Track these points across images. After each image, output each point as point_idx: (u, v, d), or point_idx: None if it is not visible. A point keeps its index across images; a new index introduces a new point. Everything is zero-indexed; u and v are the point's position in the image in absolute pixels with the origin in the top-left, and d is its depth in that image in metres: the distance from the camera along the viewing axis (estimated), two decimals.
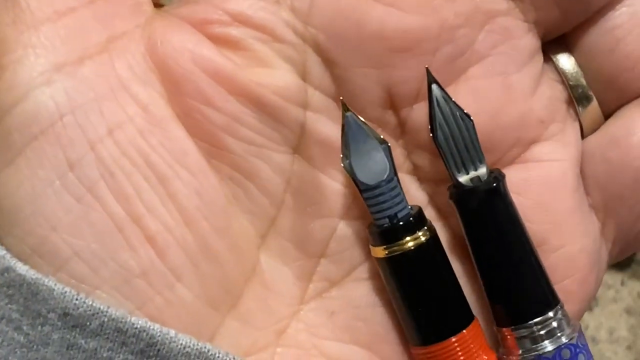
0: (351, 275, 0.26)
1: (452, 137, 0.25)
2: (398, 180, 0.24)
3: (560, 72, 0.26)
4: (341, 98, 0.24)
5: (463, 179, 0.25)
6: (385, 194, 0.24)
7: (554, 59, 0.26)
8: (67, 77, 0.22)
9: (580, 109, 0.26)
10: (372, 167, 0.24)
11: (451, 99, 0.24)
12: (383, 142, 0.24)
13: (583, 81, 0.26)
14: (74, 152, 0.22)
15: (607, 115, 0.27)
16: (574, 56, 0.26)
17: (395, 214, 0.24)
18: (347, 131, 0.24)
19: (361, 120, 0.24)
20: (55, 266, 0.22)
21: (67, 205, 0.22)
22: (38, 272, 0.22)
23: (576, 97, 0.26)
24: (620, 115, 0.26)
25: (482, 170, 0.25)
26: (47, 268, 0.22)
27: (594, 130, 0.27)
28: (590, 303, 0.27)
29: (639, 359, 0.67)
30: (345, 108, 0.24)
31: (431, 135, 0.25)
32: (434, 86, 0.24)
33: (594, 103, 0.26)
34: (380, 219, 0.24)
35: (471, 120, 0.25)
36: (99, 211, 0.22)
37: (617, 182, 0.26)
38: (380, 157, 0.24)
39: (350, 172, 0.24)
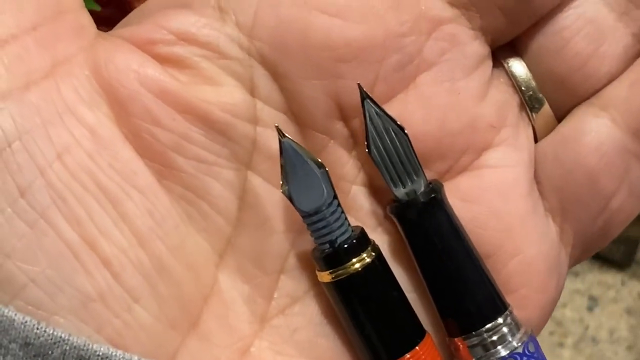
0: (313, 291, 0.26)
1: (386, 152, 0.25)
2: (339, 203, 0.24)
3: (511, 77, 0.26)
4: (276, 125, 0.24)
5: (400, 192, 0.25)
6: (325, 219, 0.24)
7: (505, 64, 0.26)
8: (13, 104, 0.22)
9: (532, 112, 0.26)
10: (311, 193, 0.24)
11: (385, 113, 0.24)
12: (321, 166, 0.24)
13: (534, 84, 0.26)
14: (23, 178, 0.22)
15: (560, 117, 0.26)
16: (524, 60, 0.26)
17: (336, 239, 0.24)
18: (285, 157, 0.24)
19: (298, 145, 0.24)
20: (11, 294, 0.22)
21: (20, 231, 0.22)
22: None
23: (527, 101, 0.26)
24: (572, 116, 0.26)
25: (419, 183, 0.25)
26: (2, 296, 0.22)
27: (548, 133, 0.26)
28: (552, 309, 0.26)
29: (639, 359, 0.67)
30: (281, 134, 0.24)
31: (366, 151, 0.25)
32: (366, 102, 0.24)
33: (546, 106, 0.26)
34: (322, 244, 0.24)
35: (405, 134, 0.25)
36: (53, 236, 0.22)
37: (572, 183, 0.26)
38: (317, 182, 0.24)
39: (289, 199, 0.24)
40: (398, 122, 0.24)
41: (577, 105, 0.26)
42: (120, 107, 0.24)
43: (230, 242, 0.25)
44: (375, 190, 0.26)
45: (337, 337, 0.25)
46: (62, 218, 0.22)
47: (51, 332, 0.22)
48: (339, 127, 0.25)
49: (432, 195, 0.25)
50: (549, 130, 0.26)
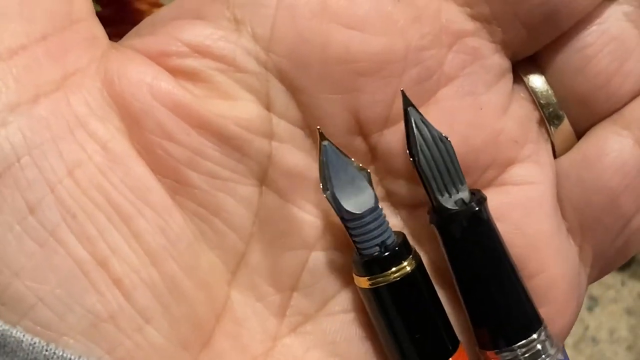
0: (325, 309, 0.25)
1: (433, 160, 0.24)
2: (380, 207, 0.24)
3: (530, 92, 0.26)
4: (318, 127, 0.24)
5: (447, 202, 0.24)
6: (373, 222, 0.23)
7: (525, 79, 0.26)
8: (22, 117, 0.22)
9: (551, 128, 0.26)
10: (357, 196, 0.23)
11: (428, 122, 0.24)
12: (362, 169, 0.24)
13: (554, 100, 0.25)
14: (33, 194, 0.22)
15: (579, 134, 0.26)
16: (545, 75, 0.26)
17: (384, 242, 0.23)
18: (326, 161, 0.23)
19: (338, 149, 0.23)
20: (20, 313, 0.22)
21: (29, 250, 0.21)
22: (2, 320, 0.22)
23: (547, 117, 0.26)
24: (593, 134, 0.26)
25: (465, 193, 0.24)
26: (11, 315, 0.22)
27: (566, 149, 0.26)
28: (570, 328, 0.26)
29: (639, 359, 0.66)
30: (322, 137, 0.23)
31: (411, 159, 0.24)
32: (410, 109, 0.24)
33: (566, 122, 0.26)
34: (368, 248, 0.24)
35: (449, 142, 0.24)
36: (63, 255, 0.22)
37: (593, 204, 0.25)
38: (364, 185, 0.23)
39: (335, 203, 0.23)
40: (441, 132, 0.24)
41: (597, 122, 0.26)
42: (133, 121, 0.23)
43: (243, 259, 0.24)
44: (394, 204, 0.25)
45: (351, 356, 0.25)
46: (72, 236, 0.22)
47: (60, 353, 0.21)
48: (358, 142, 0.24)
49: (478, 207, 0.24)
50: (568, 146, 0.26)
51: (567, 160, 0.26)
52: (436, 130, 0.24)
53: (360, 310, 0.25)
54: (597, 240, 0.26)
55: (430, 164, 0.24)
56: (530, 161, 0.25)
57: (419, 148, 0.24)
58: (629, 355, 0.67)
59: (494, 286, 0.24)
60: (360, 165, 0.24)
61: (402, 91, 0.24)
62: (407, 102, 0.24)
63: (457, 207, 0.24)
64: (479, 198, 0.24)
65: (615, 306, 0.69)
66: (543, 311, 0.25)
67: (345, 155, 0.24)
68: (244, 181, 0.24)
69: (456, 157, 0.24)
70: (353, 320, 0.25)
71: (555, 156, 0.26)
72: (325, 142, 0.23)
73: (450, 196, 0.24)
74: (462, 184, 0.24)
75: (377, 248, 0.24)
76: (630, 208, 0.25)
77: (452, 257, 0.24)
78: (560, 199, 0.26)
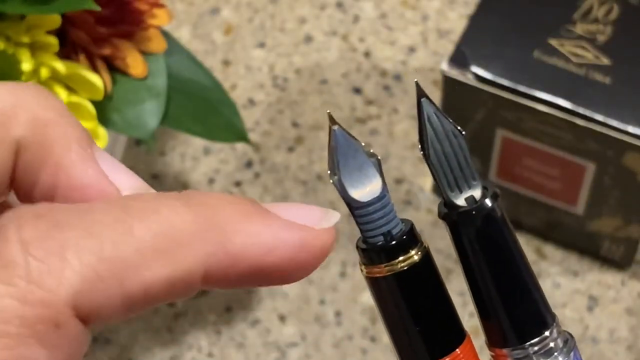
0: None
1: (444, 155, 0.23)
2: (389, 195, 0.23)
3: None
4: (328, 111, 0.23)
5: (457, 199, 0.24)
6: (379, 210, 0.23)
7: None
8: None
9: None
10: (364, 183, 0.23)
11: (443, 114, 0.23)
12: (372, 155, 0.23)
13: None
14: None
15: None
16: None
17: (389, 231, 0.23)
18: (336, 146, 0.23)
19: (349, 134, 0.23)
20: None
21: None
22: None
23: None
24: None
25: (477, 190, 0.24)
26: None
27: None
28: None
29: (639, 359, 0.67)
30: (332, 121, 0.23)
31: (422, 153, 0.23)
32: (423, 100, 0.23)
33: None
34: (374, 237, 0.23)
35: (464, 136, 0.23)
36: None
37: None
38: (372, 172, 0.23)
39: (341, 189, 0.23)
40: (456, 125, 0.23)
41: None
42: None
43: None
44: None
45: None
46: None
47: None
48: None
49: (491, 206, 0.24)
50: None
51: None
52: (450, 124, 0.23)
53: None
54: None
55: (440, 159, 0.23)
56: None
57: (430, 142, 0.23)
58: (629, 355, 0.67)
59: (507, 284, 0.24)
60: (372, 151, 0.23)
61: (416, 82, 0.23)
62: (420, 93, 0.23)
63: (466, 205, 0.24)
64: (492, 194, 0.24)
65: (615, 306, 0.69)
66: None
67: (357, 141, 0.23)
68: None
69: (469, 153, 0.24)
70: None
71: None
72: (335, 127, 0.23)
73: (461, 192, 0.24)
74: (474, 179, 0.24)
75: (382, 237, 0.23)
76: None
77: (462, 254, 0.24)
78: None
